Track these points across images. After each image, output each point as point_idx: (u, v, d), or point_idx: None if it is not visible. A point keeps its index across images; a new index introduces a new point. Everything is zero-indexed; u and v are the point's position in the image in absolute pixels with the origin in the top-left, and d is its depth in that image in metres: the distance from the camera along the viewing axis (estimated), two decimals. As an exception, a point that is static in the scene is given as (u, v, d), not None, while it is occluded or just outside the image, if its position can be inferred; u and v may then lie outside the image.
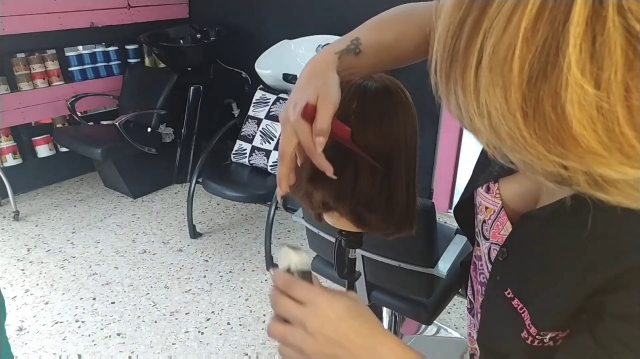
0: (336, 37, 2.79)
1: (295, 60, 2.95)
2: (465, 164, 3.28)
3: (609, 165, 0.29)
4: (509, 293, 0.52)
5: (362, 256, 1.40)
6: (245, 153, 2.66)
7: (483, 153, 0.64)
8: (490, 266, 0.59)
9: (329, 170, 0.58)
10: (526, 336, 0.50)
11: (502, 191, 0.58)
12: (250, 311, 2.19)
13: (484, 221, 0.61)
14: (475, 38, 0.29)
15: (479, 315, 0.65)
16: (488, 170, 0.60)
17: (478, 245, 0.67)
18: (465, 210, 0.70)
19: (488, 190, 0.60)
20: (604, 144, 0.28)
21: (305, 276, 0.53)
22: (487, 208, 0.60)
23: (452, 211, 2.88)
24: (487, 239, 0.61)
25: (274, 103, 2.67)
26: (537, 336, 0.49)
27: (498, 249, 0.57)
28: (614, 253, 0.41)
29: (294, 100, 0.58)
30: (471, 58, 0.30)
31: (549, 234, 0.49)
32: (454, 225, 1.63)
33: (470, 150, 4.16)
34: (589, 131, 0.27)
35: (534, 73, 0.28)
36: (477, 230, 0.66)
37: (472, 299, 0.72)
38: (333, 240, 0.96)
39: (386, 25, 0.68)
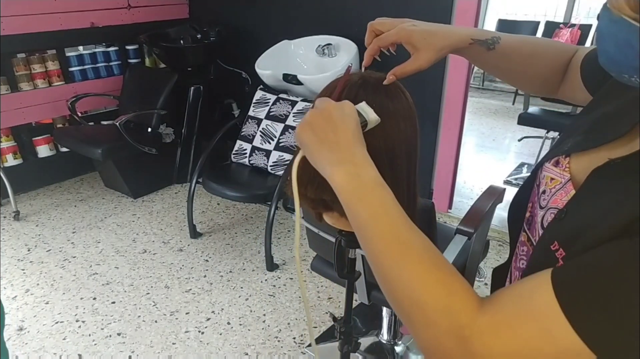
0: (336, 37, 2.79)
1: (295, 60, 2.95)
2: (465, 164, 3.28)
3: None
4: (554, 246, 0.52)
5: (362, 256, 1.40)
6: (246, 153, 2.66)
7: (556, 140, 0.66)
8: (541, 232, 0.59)
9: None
10: None
11: (572, 165, 0.59)
12: (251, 311, 2.20)
13: (544, 191, 0.62)
14: None
15: None
16: (559, 147, 0.61)
17: (523, 230, 0.68)
18: (518, 208, 0.70)
19: (557, 164, 0.61)
20: None
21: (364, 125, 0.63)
22: (552, 179, 0.61)
23: (451, 211, 2.90)
24: (543, 207, 0.61)
25: (274, 103, 2.68)
26: None
27: (556, 212, 0.57)
28: None
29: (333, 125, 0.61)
30: None
31: (610, 183, 0.49)
32: (454, 225, 1.63)
33: (470, 150, 4.17)
34: None
35: None
36: (528, 214, 0.66)
37: None
38: (333, 240, 0.97)
39: (531, 40, 0.76)
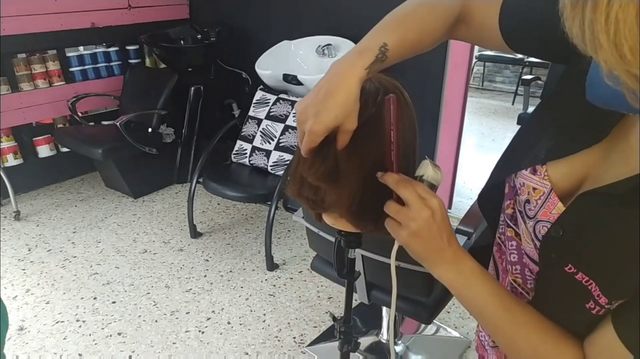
0: (336, 38, 2.78)
1: (295, 60, 2.95)
2: (465, 164, 3.28)
3: None
4: (570, 269, 0.54)
5: (362, 256, 1.40)
6: (246, 154, 2.67)
7: (520, 141, 0.68)
8: (537, 244, 0.62)
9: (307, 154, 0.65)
10: (592, 306, 0.53)
11: (550, 173, 0.60)
12: (251, 311, 2.20)
13: (527, 200, 0.63)
14: None
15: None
16: (532, 154, 0.62)
17: (508, 226, 0.69)
18: (492, 194, 0.72)
19: (534, 172, 0.62)
20: None
21: (431, 187, 0.65)
22: (534, 189, 0.62)
23: (451, 211, 2.90)
24: (531, 218, 0.62)
25: (274, 103, 2.68)
26: (606, 306, 0.52)
27: (549, 226, 0.59)
28: None
29: (317, 108, 0.61)
30: None
31: (616, 210, 0.51)
32: (454, 224, 1.63)
33: (470, 150, 4.18)
34: None
35: None
36: (510, 211, 0.68)
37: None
38: (333, 240, 0.97)
39: (411, 21, 0.68)
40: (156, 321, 2.14)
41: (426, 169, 0.65)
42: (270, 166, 2.57)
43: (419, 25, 0.67)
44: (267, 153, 2.59)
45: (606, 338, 0.52)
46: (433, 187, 0.65)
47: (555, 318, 0.60)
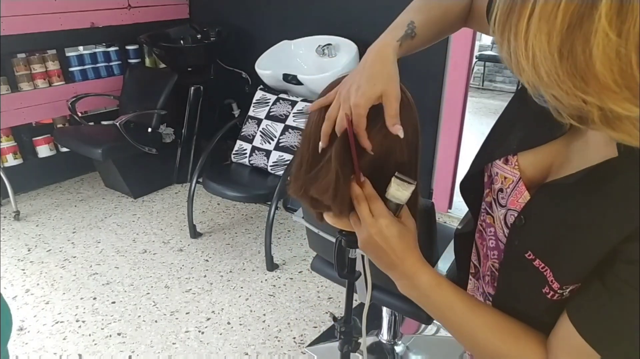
0: (336, 38, 2.79)
1: (295, 60, 2.95)
2: (465, 164, 3.28)
3: (618, 101, 0.37)
4: (529, 255, 0.58)
5: (362, 255, 1.40)
6: (246, 153, 2.66)
7: (496, 132, 0.71)
8: (506, 231, 0.65)
9: (368, 147, 0.66)
10: (547, 291, 0.56)
11: (520, 162, 0.63)
12: (251, 311, 2.20)
13: (500, 189, 0.66)
14: None
15: (486, 278, 0.74)
16: (505, 144, 0.66)
17: (487, 213, 0.72)
18: (472, 182, 0.75)
19: (506, 162, 0.65)
20: (617, 82, 0.36)
21: (392, 206, 0.66)
22: (505, 178, 0.65)
23: (451, 211, 2.90)
24: (503, 206, 0.65)
25: (274, 103, 2.68)
26: (558, 291, 0.56)
27: (516, 215, 0.62)
28: (633, 212, 0.47)
29: (358, 83, 0.64)
30: (525, 10, 0.39)
31: (569, 199, 0.55)
32: (454, 225, 1.63)
33: (471, 150, 4.17)
34: (607, 70, 0.36)
35: (572, 22, 0.37)
36: (489, 199, 0.71)
37: (477, 264, 0.79)
38: (333, 240, 0.97)
39: (434, 2, 0.75)
40: (156, 321, 2.14)
41: (389, 187, 0.66)
42: (270, 166, 2.57)
43: (439, 5, 0.74)
44: (267, 153, 2.59)
45: (564, 328, 0.55)
46: (399, 206, 0.66)
47: (518, 305, 0.63)
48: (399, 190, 0.65)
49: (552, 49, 0.38)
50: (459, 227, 0.90)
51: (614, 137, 0.41)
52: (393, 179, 0.65)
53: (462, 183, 0.77)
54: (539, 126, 0.61)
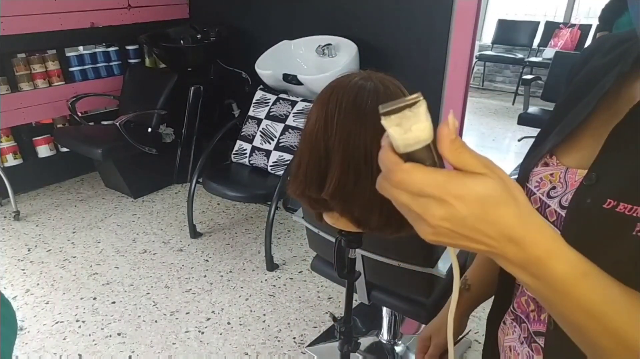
0: (336, 38, 2.78)
1: (295, 60, 2.95)
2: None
3: None
4: (608, 204, 0.49)
5: (362, 256, 1.40)
6: (246, 153, 2.66)
7: (531, 147, 0.67)
8: (563, 212, 0.57)
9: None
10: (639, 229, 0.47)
11: (560, 159, 0.60)
12: (251, 311, 2.20)
13: (553, 187, 0.60)
14: None
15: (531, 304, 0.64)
16: (537, 151, 0.62)
17: None
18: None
19: (546, 165, 0.62)
20: None
21: (420, 156, 0.38)
22: (552, 174, 0.61)
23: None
24: (553, 197, 0.59)
25: (274, 103, 2.68)
26: None
27: (579, 184, 0.55)
28: None
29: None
30: None
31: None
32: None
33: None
34: None
35: None
36: (535, 206, 0.63)
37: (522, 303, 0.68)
38: (333, 239, 0.97)
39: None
40: (156, 321, 2.14)
41: (391, 135, 0.38)
42: (270, 166, 2.57)
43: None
44: (267, 153, 2.59)
45: None
46: (429, 152, 0.38)
47: (600, 262, 0.44)
48: (411, 123, 0.37)
49: None
50: None
51: None
52: (386, 119, 0.36)
53: None
54: (569, 123, 0.59)
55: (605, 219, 0.50)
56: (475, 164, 0.38)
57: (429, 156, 0.38)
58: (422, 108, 0.37)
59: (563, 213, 0.56)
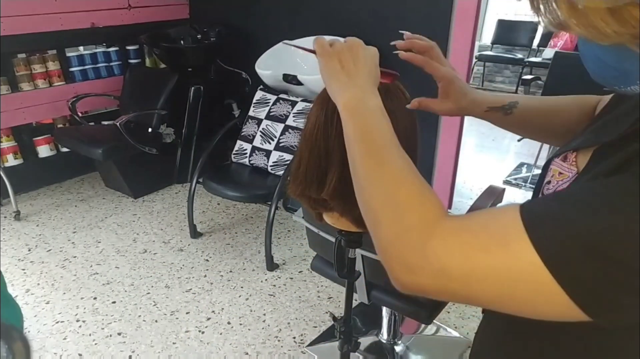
0: (336, 37, 2.77)
1: (296, 60, 2.95)
2: (465, 164, 3.28)
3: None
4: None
5: (362, 255, 1.40)
6: (246, 154, 2.67)
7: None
8: None
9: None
10: None
11: (578, 160, 0.61)
12: (251, 311, 2.20)
13: (549, 181, 0.64)
14: None
15: None
16: (568, 144, 0.64)
17: None
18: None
19: (565, 159, 0.63)
20: None
21: None
22: (560, 173, 0.63)
23: (451, 211, 2.90)
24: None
25: (274, 103, 2.68)
26: None
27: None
28: None
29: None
30: None
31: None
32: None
33: (470, 150, 4.18)
34: None
35: None
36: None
37: None
38: (333, 239, 0.97)
39: (551, 98, 0.80)
40: (156, 321, 2.14)
41: None
42: (270, 166, 2.57)
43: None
44: (267, 153, 2.59)
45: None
46: None
47: None
48: None
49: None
50: None
51: None
52: None
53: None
54: (604, 130, 0.60)
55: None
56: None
57: None
58: None
59: None
